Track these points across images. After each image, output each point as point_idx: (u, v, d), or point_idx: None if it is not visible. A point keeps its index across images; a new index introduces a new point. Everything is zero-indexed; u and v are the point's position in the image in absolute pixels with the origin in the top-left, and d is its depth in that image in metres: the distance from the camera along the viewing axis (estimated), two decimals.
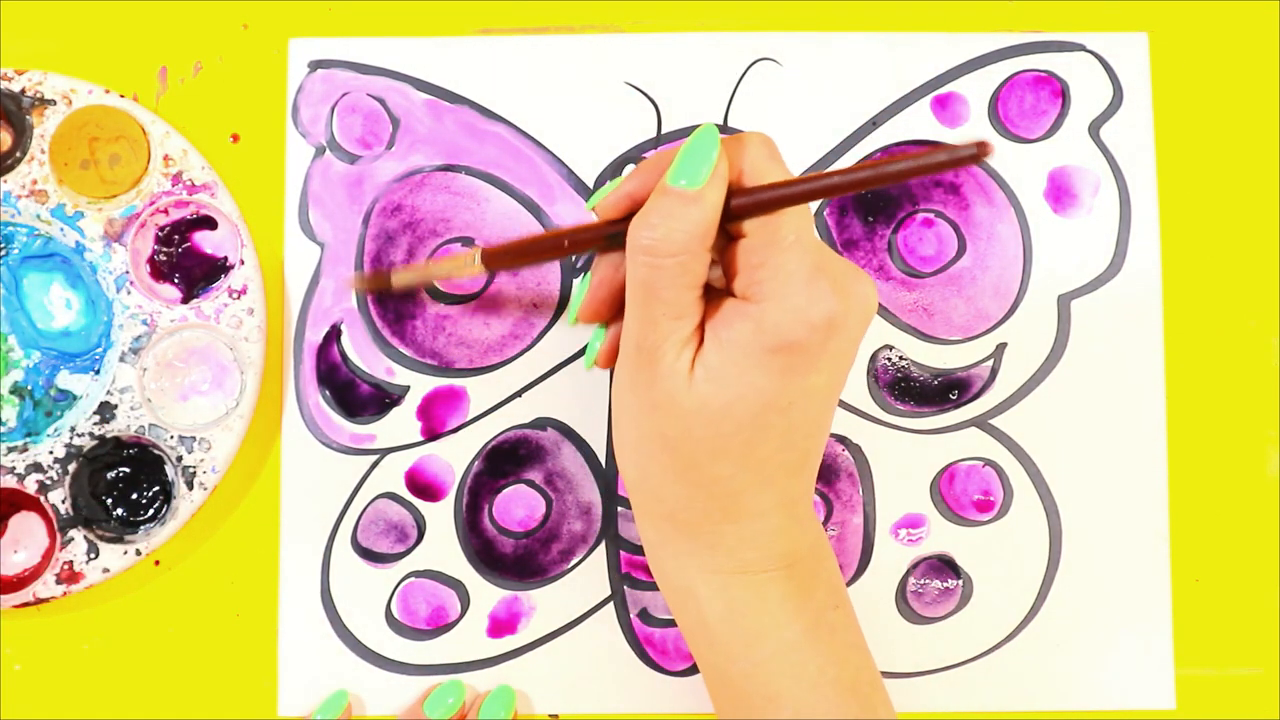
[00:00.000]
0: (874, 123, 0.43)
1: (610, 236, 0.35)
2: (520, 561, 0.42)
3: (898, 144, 0.43)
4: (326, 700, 0.41)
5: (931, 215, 0.43)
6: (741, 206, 0.32)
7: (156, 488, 0.41)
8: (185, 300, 0.41)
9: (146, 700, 0.42)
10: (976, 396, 0.42)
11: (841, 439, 0.42)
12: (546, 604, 0.42)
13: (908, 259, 0.43)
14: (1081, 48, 0.43)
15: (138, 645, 0.42)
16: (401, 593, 0.42)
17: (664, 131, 0.43)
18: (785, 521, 0.34)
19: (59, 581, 0.40)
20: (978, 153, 0.29)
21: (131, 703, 0.42)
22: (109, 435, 0.40)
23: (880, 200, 0.43)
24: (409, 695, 0.42)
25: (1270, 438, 0.43)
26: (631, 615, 0.42)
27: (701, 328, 0.32)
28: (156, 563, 0.42)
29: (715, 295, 0.33)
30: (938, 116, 0.43)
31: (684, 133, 0.43)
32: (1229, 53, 0.43)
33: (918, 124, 0.43)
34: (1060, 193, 0.43)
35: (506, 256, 0.38)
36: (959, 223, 0.43)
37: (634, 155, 0.43)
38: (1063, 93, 0.43)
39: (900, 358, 0.43)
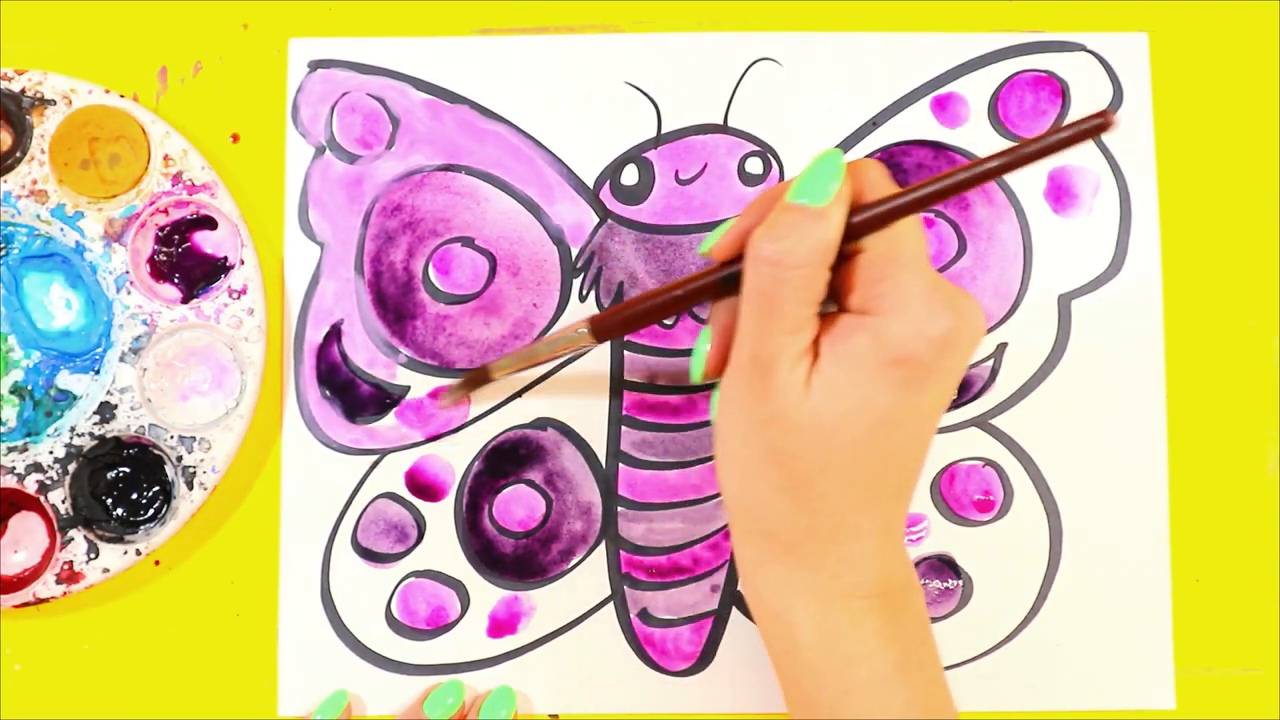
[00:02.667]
0: (874, 123, 0.43)
1: (725, 279, 0.34)
2: (520, 561, 0.42)
3: (898, 144, 0.43)
4: (326, 700, 0.41)
5: (931, 215, 0.43)
6: (862, 222, 0.32)
7: (156, 488, 0.41)
8: (185, 300, 0.41)
9: (146, 700, 0.42)
10: (976, 396, 0.42)
11: None
12: (546, 604, 0.42)
13: None
14: (1081, 48, 0.43)
15: (138, 645, 0.42)
16: (401, 593, 0.42)
17: (664, 131, 0.43)
18: (884, 547, 0.34)
19: (59, 581, 0.40)
20: (1103, 123, 0.30)
21: (131, 703, 0.42)
22: (109, 435, 0.40)
23: None
24: (409, 695, 0.42)
25: (1270, 438, 0.43)
26: (631, 615, 0.42)
27: (815, 345, 0.32)
28: (156, 563, 0.42)
29: (827, 315, 0.33)
30: (937, 116, 0.43)
31: (684, 132, 0.43)
32: (1229, 53, 0.43)
33: (918, 124, 0.43)
34: (1060, 193, 0.43)
35: (618, 324, 0.36)
36: (959, 223, 0.43)
37: (634, 155, 0.43)
38: (1063, 93, 0.43)
39: None
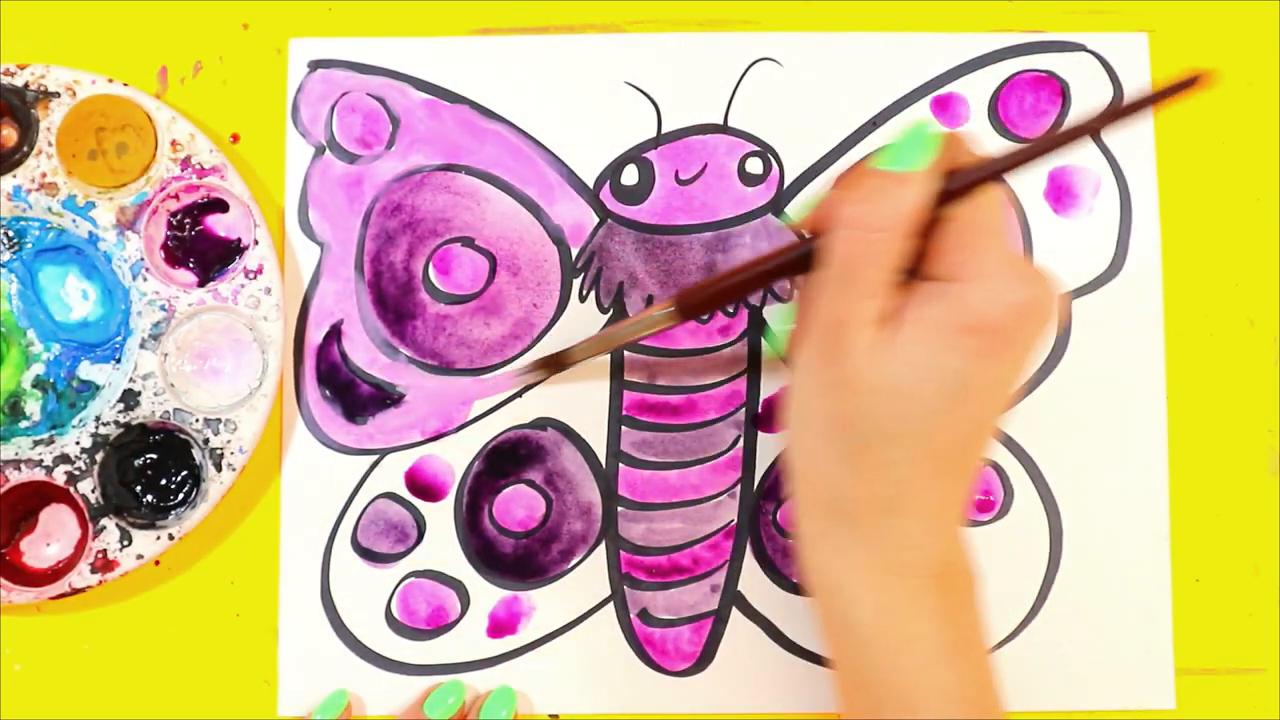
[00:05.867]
0: (874, 123, 0.43)
1: (808, 255, 0.33)
2: (520, 561, 0.42)
3: None
4: (326, 700, 0.41)
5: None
6: (947, 191, 0.32)
7: (185, 472, 0.41)
8: (202, 283, 0.41)
9: (146, 700, 0.42)
10: None
11: None
12: (546, 604, 0.42)
13: None
14: (1082, 48, 0.43)
15: (138, 645, 0.42)
16: (401, 593, 0.42)
17: (664, 131, 0.43)
18: (945, 526, 0.33)
19: (94, 570, 0.40)
20: (1197, 79, 0.30)
21: (131, 703, 0.42)
22: (134, 423, 0.41)
23: None
24: (409, 695, 0.42)
25: (1270, 438, 0.43)
26: (631, 615, 0.42)
27: (888, 312, 0.32)
28: (157, 563, 0.42)
29: (905, 284, 0.33)
30: (938, 116, 0.43)
31: (684, 132, 0.43)
32: (1229, 53, 0.43)
33: None
34: (1060, 193, 0.43)
35: (704, 301, 0.36)
36: None
37: (634, 155, 0.43)
38: (1063, 93, 0.43)
39: None
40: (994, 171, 0.32)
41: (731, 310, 0.43)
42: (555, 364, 0.41)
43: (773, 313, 0.42)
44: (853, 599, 0.33)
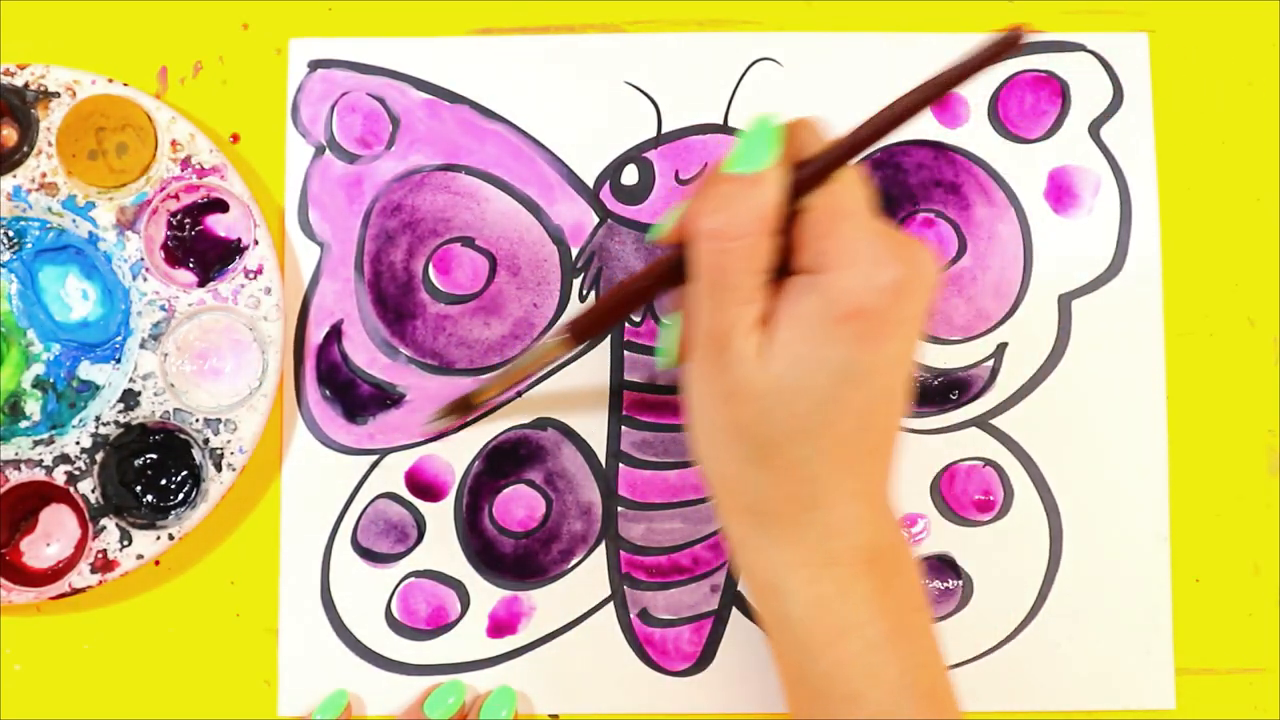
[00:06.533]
0: None
1: (681, 264, 0.33)
2: (520, 561, 0.42)
3: (898, 144, 0.43)
4: (326, 700, 0.41)
5: (932, 215, 0.43)
6: (800, 180, 0.32)
7: (185, 472, 0.41)
8: (202, 284, 0.41)
9: (146, 700, 0.42)
10: (977, 396, 0.42)
11: None
12: (546, 604, 0.42)
13: None
14: (1082, 48, 0.43)
15: (138, 645, 0.42)
16: (401, 593, 0.42)
17: (664, 131, 0.43)
18: (868, 511, 0.33)
19: (94, 570, 0.40)
20: (1013, 37, 0.30)
21: (131, 703, 0.42)
22: (134, 423, 0.41)
23: (881, 200, 0.43)
24: (409, 695, 0.42)
25: (1270, 438, 0.43)
26: (631, 615, 0.42)
27: (768, 313, 0.32)
28: (157, 563, 0.42)
29: (779, 281, 0.33)
30: (937, 117, 0.43)
31: (684, 132, 0.43)
32: (1229, 53, 0.43)
33: (918, 124, 0.43)
34: (1060, 193, 0.43)
35: (593, 323, 0.37)
36: (959, 223, 0.43)
37: (634, 155, 0.43)
38: (1063, 93, 0.43)
39: None
40: (844, 154, 0.32)
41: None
42: (463, 407, 0.41)
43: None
44: (786, 596, 0.33)
